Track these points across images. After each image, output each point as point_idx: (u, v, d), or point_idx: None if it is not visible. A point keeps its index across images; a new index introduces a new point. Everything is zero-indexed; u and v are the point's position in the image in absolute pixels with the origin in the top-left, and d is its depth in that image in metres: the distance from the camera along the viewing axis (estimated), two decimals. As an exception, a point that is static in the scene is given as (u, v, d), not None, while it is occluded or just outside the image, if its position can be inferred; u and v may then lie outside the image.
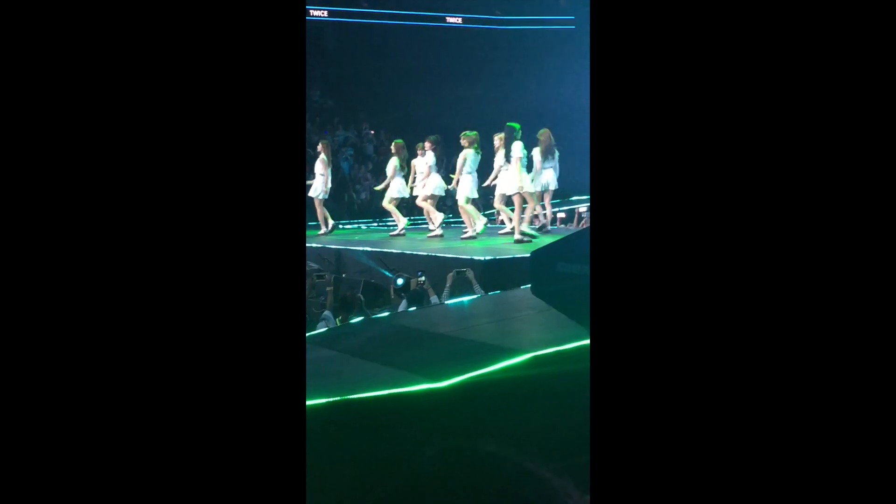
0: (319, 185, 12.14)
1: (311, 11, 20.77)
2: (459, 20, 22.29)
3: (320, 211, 12.28)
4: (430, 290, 7.17)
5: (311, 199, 12.26)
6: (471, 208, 10.68)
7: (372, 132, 20.05)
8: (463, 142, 10.59)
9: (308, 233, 12.15)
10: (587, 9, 3.86)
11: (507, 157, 10.28)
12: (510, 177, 10.24)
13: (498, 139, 10.57)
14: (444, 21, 22.33)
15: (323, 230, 12.23)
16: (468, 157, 10.50)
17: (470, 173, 10.56)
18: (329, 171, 12.25)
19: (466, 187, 10.53)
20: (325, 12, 21.23)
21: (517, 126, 10.26)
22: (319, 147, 12.43)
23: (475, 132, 10.67)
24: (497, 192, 10.68)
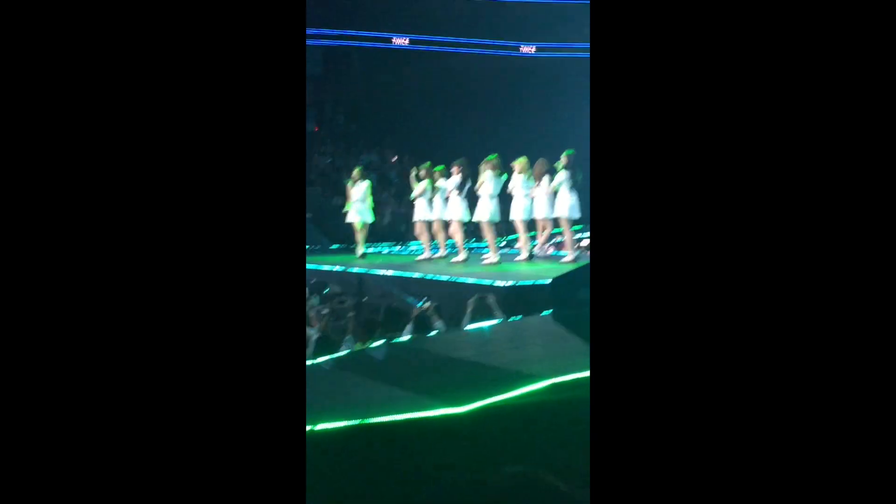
0: (365, 210, 12.22)
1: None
2: (485, 47, 22.54)
3: (362, 236, 12.36)
4: (435, 316, 7.15)
5: (353, 224, 12.37)
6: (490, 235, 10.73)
7: (395, 157, 20.14)
8: (484, 166, 10.65)
9: (344, 257, 12.17)
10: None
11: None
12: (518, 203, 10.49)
13: (518, 165, 10.63)
14: (477, 47, 22.56)
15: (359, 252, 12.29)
16: (487, 181, 10.55)
17: (492, 197, 10.60)
18: (367, 196, 12.27)
19: (488, 211, 10.56)
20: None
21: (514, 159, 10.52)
22: (355, 173, 12.46)
23: (496, 156, 10.73)
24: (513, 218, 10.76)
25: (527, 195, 10.59)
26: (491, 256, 10.58)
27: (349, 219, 12.39)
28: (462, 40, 22.06)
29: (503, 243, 13.96)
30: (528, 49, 22.59)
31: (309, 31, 19.19)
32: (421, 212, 11.66)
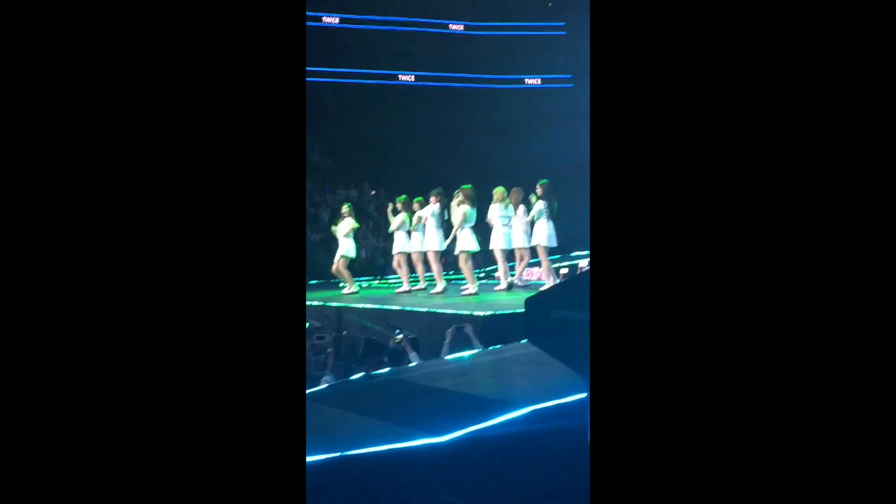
0: (349, 244, 12.05)
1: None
2: (463, 80, 22.86)
3: (347, 272, 12.15)
4: (408, 348, 7.15)
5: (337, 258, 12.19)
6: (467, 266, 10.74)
7: (373, 192, 20.18)
8: (459, 197, 10.70)
9: (323, 293, 12.02)
10: (586, 67, 3.94)
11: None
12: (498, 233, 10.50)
13: (496, 194, 10.68)
14: (446, 81, 22.82)
15: (349, 289, 12.08)
16: (465, 213, 10.60)
17: (467, 228, 10.64)
18: (351, 230, 12.09)
19: (466, 242, 10.60)
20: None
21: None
22: (344, 209, 12.29)
23: (470, 186, 10.79)
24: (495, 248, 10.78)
25: (506, 224, 10.64)
26: (469, 287, 10.59)
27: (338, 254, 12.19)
28: (459, 75, 22.36)
29: (482, 274, 13.97)
30: (532, 81, 22.91)
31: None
32: (399, 244, 11.68)
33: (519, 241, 10.72)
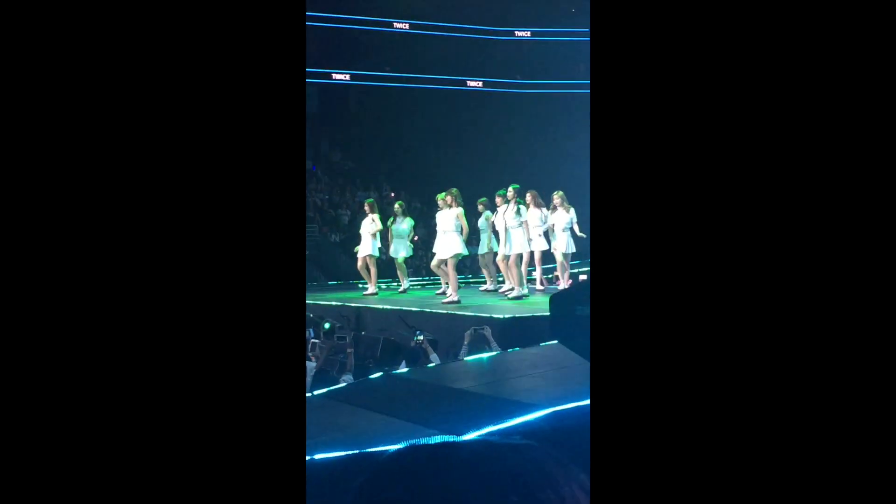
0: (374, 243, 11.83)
1: (332, 75, 21.34)
2: (480, 84, 22.86)
3: (374, 270, 11.89)
4: (429, 349, 7.14)
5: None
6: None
7: (392, 194, 20.24)
8: (450, 200, 10.55)
9: (342, 294, 11.95)
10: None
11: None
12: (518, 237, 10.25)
13: (500, 199, 10.43)
14: (465, 85, 22.85)
15: (371, 290, 11.81)
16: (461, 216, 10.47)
17: (454, 232, 10.46)
18: (374, 229, 11.80)
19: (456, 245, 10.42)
20: (348, 76, 21.79)
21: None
22: (366, 207, 12.09)
23: (456, 189, 10.65)
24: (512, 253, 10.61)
25: (543, 223, 10.34)
26: (452, 295, 10.27)
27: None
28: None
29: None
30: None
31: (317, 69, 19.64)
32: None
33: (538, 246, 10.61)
